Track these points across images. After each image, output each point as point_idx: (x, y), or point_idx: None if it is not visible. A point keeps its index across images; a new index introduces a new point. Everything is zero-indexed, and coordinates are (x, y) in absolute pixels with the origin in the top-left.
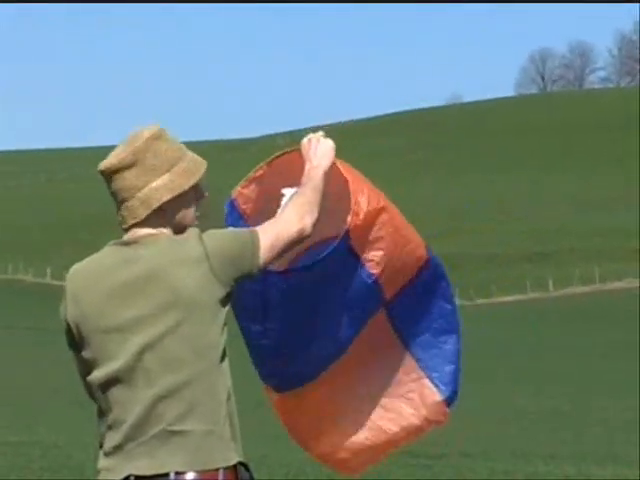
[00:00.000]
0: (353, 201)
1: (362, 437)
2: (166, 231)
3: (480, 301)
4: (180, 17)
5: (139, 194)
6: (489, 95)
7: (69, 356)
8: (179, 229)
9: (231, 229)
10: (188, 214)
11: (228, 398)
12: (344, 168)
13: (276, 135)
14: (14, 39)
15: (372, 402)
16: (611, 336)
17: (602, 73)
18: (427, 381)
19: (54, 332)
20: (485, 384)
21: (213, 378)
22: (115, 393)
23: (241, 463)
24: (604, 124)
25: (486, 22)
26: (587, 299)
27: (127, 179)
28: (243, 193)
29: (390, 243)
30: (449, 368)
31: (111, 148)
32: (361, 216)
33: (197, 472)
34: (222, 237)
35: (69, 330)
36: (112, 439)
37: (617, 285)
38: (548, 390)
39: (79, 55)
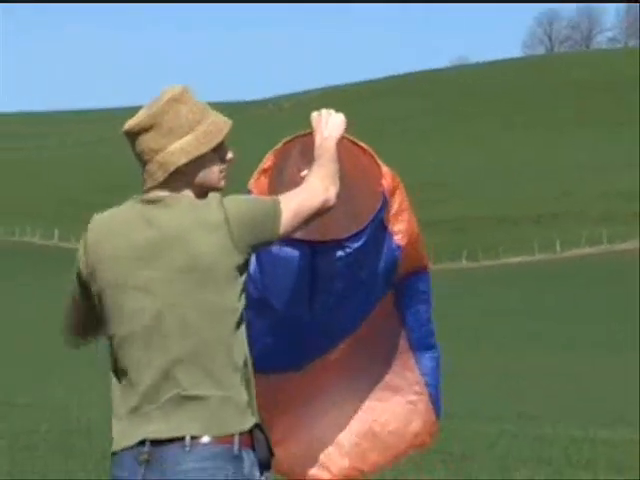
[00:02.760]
0: (380, 167)
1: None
2: (188, 193)
3: (487, 263)
4: None
5: (157, 157)
6: (496, 56)
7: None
8: (201, 192)
9: (253, 196)
10: (209, 177)
11: (245, 364)
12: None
13: (281, 97)
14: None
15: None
16: (617, 297)
17: (609, 34)
18: (427, 398)
19: (62, 292)
20: (492, 345)
21: (230, 344)
22: (130, 353)
23: (256, 425)
24: (611, 85)
25: None
26: (594, 261)
27: (145, 142)
28: (257, 186)
29: (410, 219)
30: (438, 385)
31: (128, 110)
32: (389, 181)
33: (213, 437)
34: (243, 203)
35: (81, 278)
36: (127, 401)
37: (624, 246)
38: (554, 352)
39: (105, 16)
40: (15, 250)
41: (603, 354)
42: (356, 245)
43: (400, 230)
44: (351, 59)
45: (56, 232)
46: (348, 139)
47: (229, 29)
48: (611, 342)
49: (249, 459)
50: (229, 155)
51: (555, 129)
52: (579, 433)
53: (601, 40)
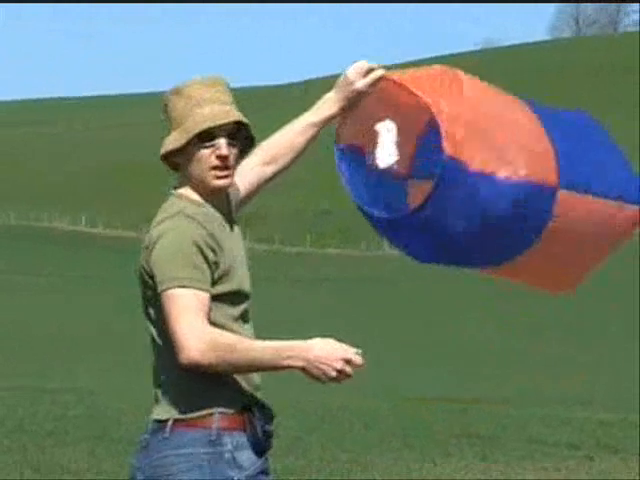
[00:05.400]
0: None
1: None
2: (189, 188)
3: None
4: None
5: None
6: (523, 39)
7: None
8: (200, 188)
9: (180, 255)
10: (197, 173)
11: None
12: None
13: (308, 81)
14: None
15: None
16: None
17: (636, 16)
18: (626, 205)
19: (89, 279)
20: (517, 329)
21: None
22: None
23: (249, 408)
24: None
25: None
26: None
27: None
28: (341, 134)
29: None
30: (630, 180)
31: (145, 96)
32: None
33: (188, 420)
34: (165, 248)
35: None
36: None
37: None
38: (582, 337)
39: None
40: (43, 236)
41: (633, 338)
42: (426, 213)
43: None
44: (377, 43)
45: (83, 218)
46: (389, 78)
47: (247, 15)
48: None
49: (233, 443)
50: (220, 152)
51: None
52: (609, 417)
53: (628, 22)
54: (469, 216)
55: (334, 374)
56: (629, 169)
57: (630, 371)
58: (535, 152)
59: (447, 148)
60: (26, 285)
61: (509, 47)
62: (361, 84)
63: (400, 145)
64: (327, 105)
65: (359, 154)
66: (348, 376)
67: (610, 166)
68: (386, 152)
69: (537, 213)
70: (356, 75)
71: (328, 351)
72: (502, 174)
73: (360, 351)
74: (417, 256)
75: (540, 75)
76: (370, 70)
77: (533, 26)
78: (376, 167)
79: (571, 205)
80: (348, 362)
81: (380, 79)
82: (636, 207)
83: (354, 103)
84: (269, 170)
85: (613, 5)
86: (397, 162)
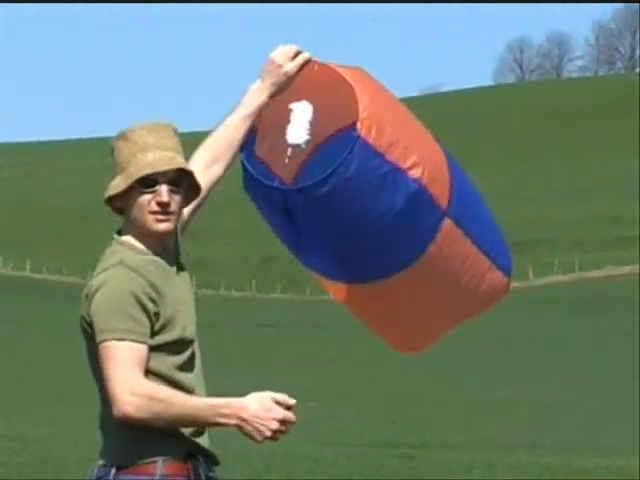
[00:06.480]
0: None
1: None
2: (129, 234)
3: None
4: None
5: None
6: (467, 85)
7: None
8: (141, 232)
9: (122, 308)
10: (139, 217)
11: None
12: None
13: None
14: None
15: (448, 297)
16: (591, 325)
17: (580, 62)
18: (495, 268)
19: (34, 325)
20: (464, 373)
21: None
22: None
23: (194, 455)
24: (582, 113)
25: (464, 12)
26: (567, 288)
27: None
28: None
29: (420, 146)
30: (505, 249)
31: (88, 141)
32: (367, 111)
33: (130, 466)
34: (104, 302)
35: None
36: None
37: (596, 274)
38: (527, 380)
39: (62, 44)
40: None
41: (577, 381)
42: (325, 189)
43: (414, 163)
44: None
45: (28, 263)
46: (329, 67)
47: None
48: (584, 369)
49: None
50: (160, 198)
51: (526, 157)
52: (553, 460)
53: (571, 68)
54: (365, 204)
55: (269, 434)
56: (504, 241)
57: (573, 413)
58: (439, 171)
59: (362, 130)
60: None
61: (453, 92)
62: (290, 67)
63: (311, 131)
64: (256, 95)
65: (254, 135)
66: (282, 433)
67: (490, 229)
68: (296, 130)
69: (424, 229)
70: (284, 59)
71: (264, 410)
72: (410, 170)
73: (294, 401)
74: (297, 244)
75: (483, 120)
76: (297, 53)
77: (478, 71)
78: (285, 141)
79: (452, 238)
80: (283, 421)
81: (307, 62)
82: (501, 274)
83: (283, 88)
84: (214, 171)
85: (556, 51)
86: (305, 142)
